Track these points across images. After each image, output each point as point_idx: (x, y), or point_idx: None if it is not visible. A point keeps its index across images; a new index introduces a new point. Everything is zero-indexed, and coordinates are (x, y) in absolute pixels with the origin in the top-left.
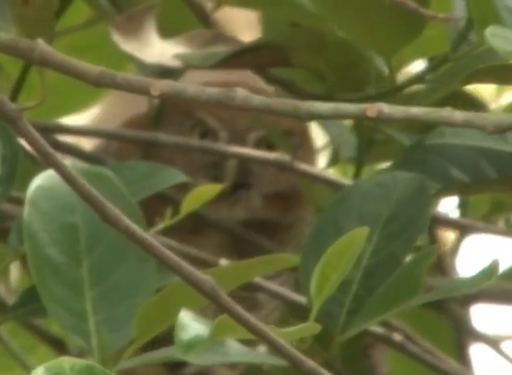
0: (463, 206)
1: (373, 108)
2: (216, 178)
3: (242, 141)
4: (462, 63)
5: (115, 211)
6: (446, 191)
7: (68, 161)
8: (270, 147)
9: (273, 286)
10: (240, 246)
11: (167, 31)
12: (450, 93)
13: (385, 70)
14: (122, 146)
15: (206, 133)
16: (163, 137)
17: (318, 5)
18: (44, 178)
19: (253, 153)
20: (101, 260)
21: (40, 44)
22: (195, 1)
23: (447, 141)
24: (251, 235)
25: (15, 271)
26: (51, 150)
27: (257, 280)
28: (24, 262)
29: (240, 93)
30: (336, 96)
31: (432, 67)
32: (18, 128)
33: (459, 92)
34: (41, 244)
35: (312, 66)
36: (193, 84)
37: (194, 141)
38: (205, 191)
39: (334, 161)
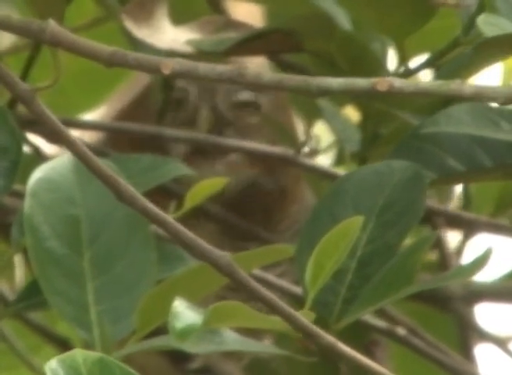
0: (466, 201)
1: (383, 83)
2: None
3: (212, 93)
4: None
5: (131, 189)
6: (442, 180)
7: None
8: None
9: (271, 277)
10: (234, 231)
11: (179, 17)
12: None
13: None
14: (115, 138)
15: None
16: (168, 131)
17: None
18: (45, 170)
19: (257, 147)
20: (103, 252)
21: (51, 24)
22: None
23: (442, 130)
24: (242, 221)
25: (19, 270)
26: (65, 129)
27: (255, 271)
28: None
29: (251, 70)
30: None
31: (443, 52)
32: (32, 109)
33: None
34: (43, 237)
35: (324, 52)
36: (203, 63)
37: (199, 134)
38: (210, 185)
39: (340, 159)
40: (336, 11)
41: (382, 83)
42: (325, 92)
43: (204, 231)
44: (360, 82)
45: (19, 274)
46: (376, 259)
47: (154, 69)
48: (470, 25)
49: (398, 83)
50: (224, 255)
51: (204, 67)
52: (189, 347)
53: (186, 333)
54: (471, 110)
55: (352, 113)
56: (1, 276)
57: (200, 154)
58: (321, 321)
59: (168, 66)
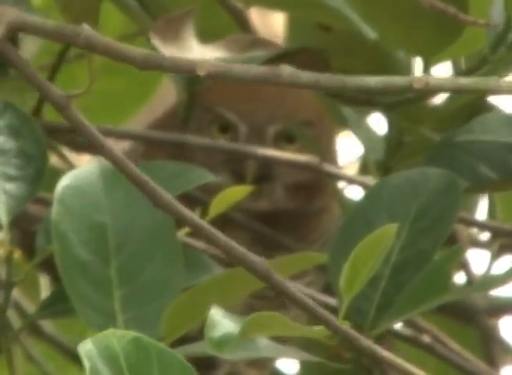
0: (492, 211)
1: (420, 80)
2: (237, 172)
3: (261, 135)
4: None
5: (167, 196)
6: (475, 188)
7: (97, 159)
8: (290, 139)
9: (300, 287)
10: (263, 240)
11: (206, 36)
12: (471, 101)
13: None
14: (148, 148)
15: (226, 127)
16: (191, 138)
17: (357, 9)
18: (72, 177)
19: (282, 155)
20: (130, 259)
21: (86, 29)
22: (234, 5)
23: (476, 138)
24: (272, 231)
25: (45, 286)
26: (100, 136)
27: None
28: (52, 274)
29: (286, 70)
30: (375, 100)
31: (471, 69)
32: (67, 116)
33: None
34: (70, 244)
35: (351, 70)
36: (238, 64)
37: (222, 142)
38: (233, 192)
39: (364, 168)
40: (360, 22)
41: (418, 81)
42: (363, 90)
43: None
44: (398, 80)
45: (44, 289)
46: (410, 266)
47: (189, 70)
48: (497, 44)
49: (435, 80)
50: (261, 260)
51: (239, 68)
52: (224, 354)
53: (224, 342)
54: (505, 118)
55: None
56: (24, 292)
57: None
58: (355, 328)
59: (204, 67)
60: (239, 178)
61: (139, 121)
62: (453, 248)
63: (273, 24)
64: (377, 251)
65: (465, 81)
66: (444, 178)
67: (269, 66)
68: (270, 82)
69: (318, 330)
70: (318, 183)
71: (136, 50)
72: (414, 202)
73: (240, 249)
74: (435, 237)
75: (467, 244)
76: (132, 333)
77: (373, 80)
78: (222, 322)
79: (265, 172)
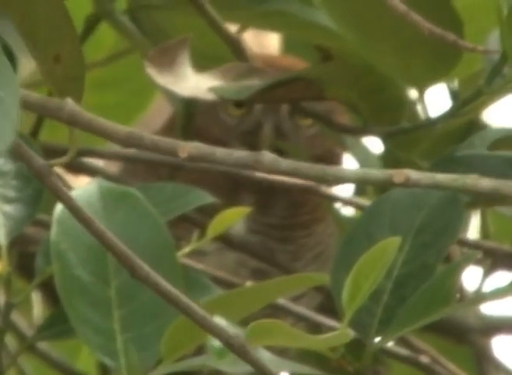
0: (485, 231)
1: (400, 175)
2: (252, 145)
3: (276, 108)
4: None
5: (144, 267)
6: (475, 203)
7: (96, 180)
8: (304, 114)
9: (296, 308)
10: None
11: (201, 64)
12: (468, 122)
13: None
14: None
15: (240, 103)
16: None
17: (353, 38)
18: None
19: (279, 178)
20: (129, 280)
21: (69, 103)
22: (229, 33)
23: (476, 153)
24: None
25: (37, 306)
26: (80, 207)
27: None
28: (46, 293)
29: (267, 156)
30: (371, 129)
31: (466, 101)
32: (47, 184)
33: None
34: (69, 264)
35: (346, 100)
36: (220, 148)
37: (220, 166)
38: (232, 214)
39: (361, 189)
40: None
41: (399, 176)
42: (342, 181)
43: (224, 257)
44: (377, 174)
45: (37, 311)
46: (413, 280)
47: (170, 152)
48: (493, 75)
49: (414, 175)
50: (236, 336)
51: (221, 152)
52: (225, 366)
53: (225, 350)
54: (505, 132)
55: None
56: (19, 313)
57: None
58: (357, 342)
59: (185, 149)
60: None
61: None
62: (454, 261)
63: (268, 45)
64: (379, 264)
65: (443, 177)
66: (446, 192)
67: (250, 152)
68: (250, 167)
69: (322, 341)
70: (331, 157)
71: (118, 127)
72: (417, 216)
73: (217, 323)
74: (438, 251)
75: (467, 260)
76: None
77: (352, 173)
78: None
79: (280, 144)
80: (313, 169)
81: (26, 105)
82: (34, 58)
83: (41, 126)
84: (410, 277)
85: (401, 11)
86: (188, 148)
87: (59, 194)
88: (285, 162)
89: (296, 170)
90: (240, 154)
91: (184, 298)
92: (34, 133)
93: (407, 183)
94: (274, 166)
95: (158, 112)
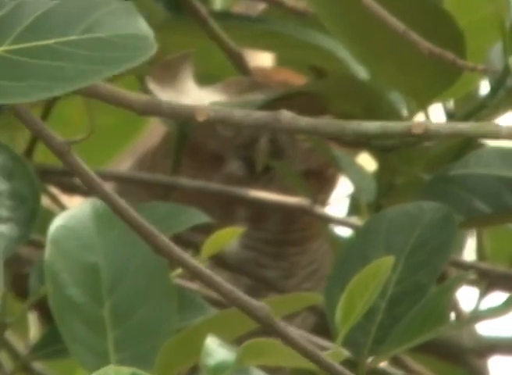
0: (481, 253)
1: (419, 126)
2: (248, 159)
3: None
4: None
5: (167, 241)
6: (469, 222)
7: (90, 200)
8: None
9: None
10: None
11: (204, 79)
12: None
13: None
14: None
15: None
16: (183, 181)
17: (355, 53)
18: (65, 218)
19: (273, 198)
20: (123, 300)
21: None
22: (231, 48)
23: (471, 171)
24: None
25: (34, 327)
26: (101, 182)
27: None
28: (42, 314)
29: (286, 115)
30: (374, 143)
31: (469, 114)
32: (66, 162)
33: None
34: (63, 284)
35: (349, 113)
36: (238, 109)
37: (214, 184)
38: (226, 234)
39: (355, 209)
40: (354, 64)
41: (417, 126)
42: (361, 135)
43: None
44: (396, 125)
45: (33, 331)
46: (407, 299)
47: (189, 116)
48: (496, 89)
49: (433, 126)
50: (262, 306)
51: (239, 113)
52: None
53: (219, 370)
54: (500, 152)
55: (367, 163)
56: (14, 332)
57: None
58: (351, 361)
59: (203, 113)
60: (250, 166)
61: (126, 158)
62: (448, 280)
63: (259, 64)
64: (373, 283)
65: (464, 126)
66: (440, 211)
67: (269, 112)
68: (270, 127)
69: None
70: (327, 171)
71: (135, 95)
72: (411, 235)
73: (242, 296)
74: (432, 270)
75: (460, 279)
76: (129, 369)
77: (372, 126)
78: (217, 350)
79: (276, 158)
80: (331, 124)
81: None
82: None
83: (35, 146)
84: (404, 296)
85: (400, 30)
86: (206, 111)
87: (79, 170)
88: (304, 120)
89: (315, 128)
90: (258, 114)
91: (207, 271)
92: (28, 153)
93: (426, 134)
94: (293, 124)
95: (152, 133)
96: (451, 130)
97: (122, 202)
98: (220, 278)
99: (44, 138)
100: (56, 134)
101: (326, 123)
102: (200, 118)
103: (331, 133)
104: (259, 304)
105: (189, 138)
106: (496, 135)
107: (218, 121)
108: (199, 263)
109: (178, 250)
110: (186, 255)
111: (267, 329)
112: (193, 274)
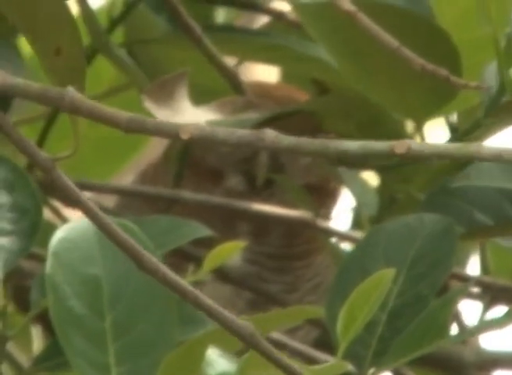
0: (484, 267)
1: (402, 145)
2: (248, 173)
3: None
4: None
5: (153, 259)
6: (470, 234)
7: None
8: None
9: (291, 342)
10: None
11: (197, 98)
12: None
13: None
14: (143, 201)
15: None
16: (186, 194)
17: (349, 71)
18: (67, 230)
19: (276, 211)
20: (124, 313)
21: (71, 91)
22: (227, 66)
23: (472, 183)
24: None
25: (38, 341)
26: (84, 198)
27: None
28: (45, 327)
29: (270, 134)
30: (371, 163)
31: (464, 132)
32: (51, 178)
33: None
34: (64, 297)
35: (343, 132)
36: (222, 128)
37: (216, 198)
38: (228, 248)
39: (357, 222)
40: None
41: (400, 146)
42: (343, 154)
43: (220, 288)
44: (379, 145)
45: (37, 346)
46: (407, 311)
47: (172, 134)
48: (491, 107)
49: (416, 145)
50: (247, 326)
51: (223, 132)
52: None
53: None
54: (500, 164)
55: (370, 177)
56: (17, 345)
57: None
58: (352, 373)
59: (187, 131)
60: (250, 180)
61: (128, 172)
62: (449, 293)
63: (257, 78)
64: (374, 296)
65: (447, 146)
66: (440, 223)
67: (252, 130)
68: (253, 146)
69: (316, 372)
70: (327, 185)
71: (120, 113)
72: (411, 247)
73: (226, 314)
74: (432, 282)
75: (461, 292)
76: None
77: (353, 145)
78: (218, 361)
79: (276, 173)
80: (313, 143)
81: (27, 95)
82: (35, 51)
83: None
84: (404, 309)
85: (392, 46)
86: (190, 129)
87: (63, 187)
88: (287, 139)
89: (298, 146)
90: (241, 133)
91: (193, 289)
92: (30, 165)
93: (408, 154)
94: (276, 143)
95: (155, 146)
96: (434, 150)
97: (107, 218)
98: (206, 297)
99: (30, 155)
100: (41, 151)
101: (309, 142)
102: (184, 136)
103: (313, 152)
104: (244, 323)
105: (190, 153)
106: (479, 156)
107: (202, 139)
108: (185, 283)
109: (163, 267)
110: (172, 274)
111: (252, 348)
112: (179, 293)
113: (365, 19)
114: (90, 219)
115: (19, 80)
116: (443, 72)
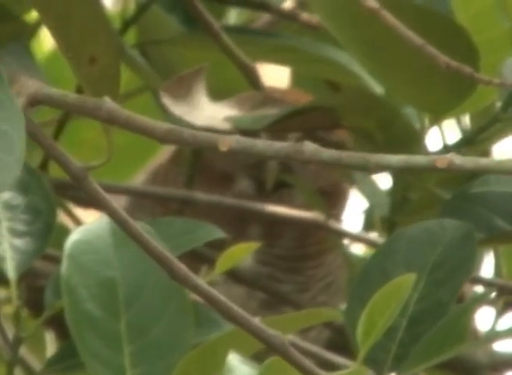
0: (498, 269)
1: (443, 160)
2: (258, 178)
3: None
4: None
5: (183, 267)
6: (490, 240)
7: (103, 217)
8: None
9: (304, 344)
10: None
11: (217, 94)
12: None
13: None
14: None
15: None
16: (198, 195)
17: (367, 67)
18: (82, 232)
19: (289, 212)
20: (140, 315)
21: (107, 101)
22: (245, 62)
23: (491, 189)
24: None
25: (51, 345)
26: (117, 208)
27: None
28: (58, 329)
29: (309, 147)
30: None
31: (482, 128)
32: (84, 187)
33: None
34: (80, 299)
35: (362, 128)
36: (261, 139)
37: (229, 199)
38: (240, 249)
39: (369, 224)
40: (368, 79)
41: (442, 161)
42: (384, 169)
43: (233, 289)
44: (420, 159)
45: (51, 350)
46: (427, 317)
47: (211, 146)
48: (509, 102)
49: (458, 160)
50: (277, 335)
51: (261, 144)
52: None
53: None
54: None
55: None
56: (30, 348)
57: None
58: None
59: (226, 142)
60: (259, 184)
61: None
62: (468, 299)
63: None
64: (394, 301)
65: (487, 161)
66: (461, 229)
67: (291, 143)
68: (292, 158)
69: None
70: (336, 189)
71: (156, 123)
72: (432, 253)
73: (259, 325)
74: (453, 288)
75: (481, 298)
76: None
77: (395, 159)
78: (239, 367)
79: (285, 177)
80: (355, 157)
81: (65, 106)
82: (68, 59)
83: (50, 160)
84: (424, 314)
85: (417, 44)
86: (229, 141)
87: (95, 196)
88: (327, 152)
89: (339, 160)
90: (280, 145)
91: (222, 297)
92: (44, 166)
93: (450, 168)
94: (315, 157)
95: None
96: (475, 165)
97: (137, 227)
98: (236, 306)
99: (62, 163)
100: (73, 159)
101: (350, 155)
102: (223, 148)
103: (354, 166)
104: (274, 333)
105: (201, 156)
106: None
107: (241, 151)
108: (216, 292)
109: (193, 276)
110: (202, 282)
111: (283, 358)
112: (209, 301)
113: (389, 17)
114: (121, 228)
115: (54, 90)
116: (467, 69)
